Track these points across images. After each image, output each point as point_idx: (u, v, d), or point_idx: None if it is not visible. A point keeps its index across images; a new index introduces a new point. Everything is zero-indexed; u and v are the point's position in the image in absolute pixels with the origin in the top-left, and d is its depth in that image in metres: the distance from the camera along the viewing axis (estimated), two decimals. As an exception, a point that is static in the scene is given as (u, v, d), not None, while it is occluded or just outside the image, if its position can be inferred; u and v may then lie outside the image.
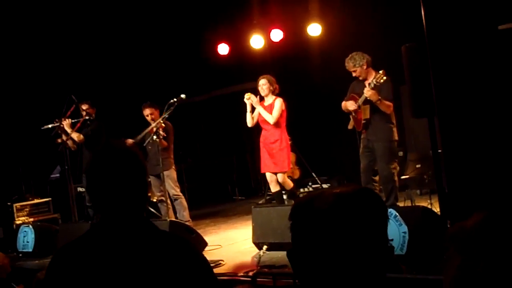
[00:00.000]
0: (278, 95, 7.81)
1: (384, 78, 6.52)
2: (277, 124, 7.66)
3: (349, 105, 6.98)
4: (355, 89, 7.04)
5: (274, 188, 7.85)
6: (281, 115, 7.65)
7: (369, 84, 6.57)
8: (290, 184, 7.93)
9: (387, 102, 6.66)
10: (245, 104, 7.78)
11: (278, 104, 7.64)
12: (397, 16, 8.77)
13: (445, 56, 3.73)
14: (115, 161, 1.97)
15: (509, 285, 1.03)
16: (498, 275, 1.04)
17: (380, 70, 6.66)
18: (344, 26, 9.73)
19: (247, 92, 7.90)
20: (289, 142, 7.93)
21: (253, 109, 7.85)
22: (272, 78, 7.84)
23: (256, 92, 7.79)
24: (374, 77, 6.57)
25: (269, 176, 7.80)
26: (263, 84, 7.72)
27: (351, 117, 7.14)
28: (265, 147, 7.79)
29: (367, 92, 6.56)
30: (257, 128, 7.97)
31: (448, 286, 1.14)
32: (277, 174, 7.75)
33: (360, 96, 6.83)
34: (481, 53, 3.61)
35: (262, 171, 7.92)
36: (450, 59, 3.71)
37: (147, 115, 8.18)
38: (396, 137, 6.89)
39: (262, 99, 7.85)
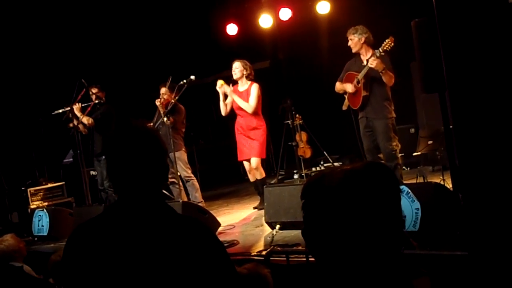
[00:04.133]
0: (253, 81, 7.53)
1: (392, 45, 6.35)
2: (254, 111, 7.44)
3: (347, 87, 6.83)
4: (352, 68, 6.91)
5: (252, 177, 7.69)
6: (258, 102, 7.43)
7: (376, 53, 6.42)
8: (262, 173, 7.66)
9: (390, 73, 6.54)
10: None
11: (255, 90, 7.38)
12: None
13: (455, 30, 3.68)
14: (135, 141, 1.96)
15: None
16: None
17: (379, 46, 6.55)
18: (353, 2, 9.64)
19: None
20: (266, 129, 7.61)
21: (225, 96, 7.61)
22: (247, 62, 7.57)
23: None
24: (382, 46, 6.39)
25: (247, 165, 7.62)
26: (235, 68, 7.48)
27: (345, 96, 7.02)
28: (242, 134, 7.58)
29: (373, 62, 6.37)
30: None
31: None
32: (251, 160, 7.54)
33: (358, 73, 6.73)
34: (491, 26, 3.57)
35: (239, 159, 7.73)
36: (460, 33, 3.67)
37: (161, 95, 8.16)
38: (394, 114, 6.75)
39: (235, 83, 7.60)
